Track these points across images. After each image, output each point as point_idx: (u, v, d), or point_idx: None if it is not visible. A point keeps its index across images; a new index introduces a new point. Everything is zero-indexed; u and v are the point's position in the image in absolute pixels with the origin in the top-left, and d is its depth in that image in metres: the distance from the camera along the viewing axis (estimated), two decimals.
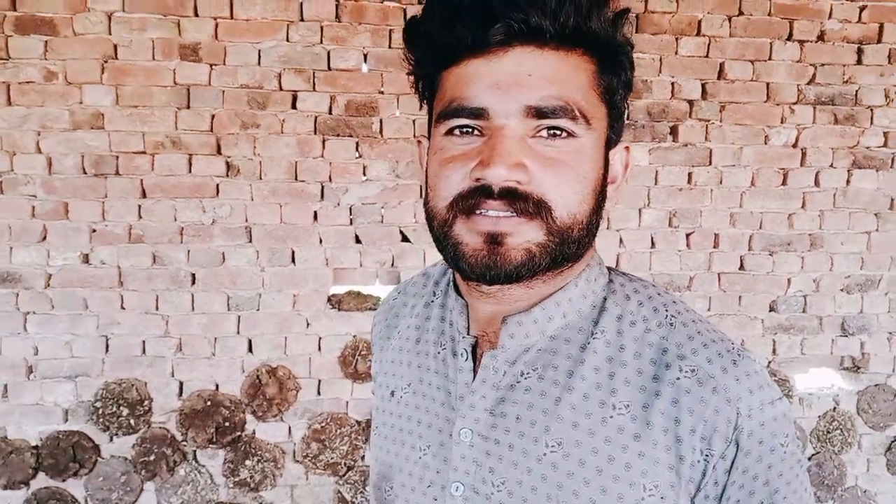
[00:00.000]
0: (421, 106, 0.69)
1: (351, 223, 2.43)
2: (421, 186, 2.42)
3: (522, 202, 0.57)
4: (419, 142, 0.71)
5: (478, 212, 0.58)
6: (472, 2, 0.56)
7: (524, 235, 0.57)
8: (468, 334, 0.68)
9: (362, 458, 2.50)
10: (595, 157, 0.60)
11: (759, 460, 0.59)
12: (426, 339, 0.74)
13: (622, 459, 0.59)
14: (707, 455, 0.58)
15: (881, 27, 2.54)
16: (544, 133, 0.58)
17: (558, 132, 0.58)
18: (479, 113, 0.58)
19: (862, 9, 2.53)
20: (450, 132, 0.60)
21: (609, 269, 0.70)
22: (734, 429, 0.58)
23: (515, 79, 0.57)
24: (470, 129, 0.59)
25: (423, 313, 0.76)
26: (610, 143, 0.63)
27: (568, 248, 0.59)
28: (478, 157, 0.57)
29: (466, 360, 0.67)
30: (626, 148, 0.67)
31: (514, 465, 0.62)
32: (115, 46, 2.28)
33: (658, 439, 0.58)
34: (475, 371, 0.67)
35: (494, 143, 0.57)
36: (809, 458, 2.65)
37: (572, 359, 0.63)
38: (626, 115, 0.65)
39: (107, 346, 2.38)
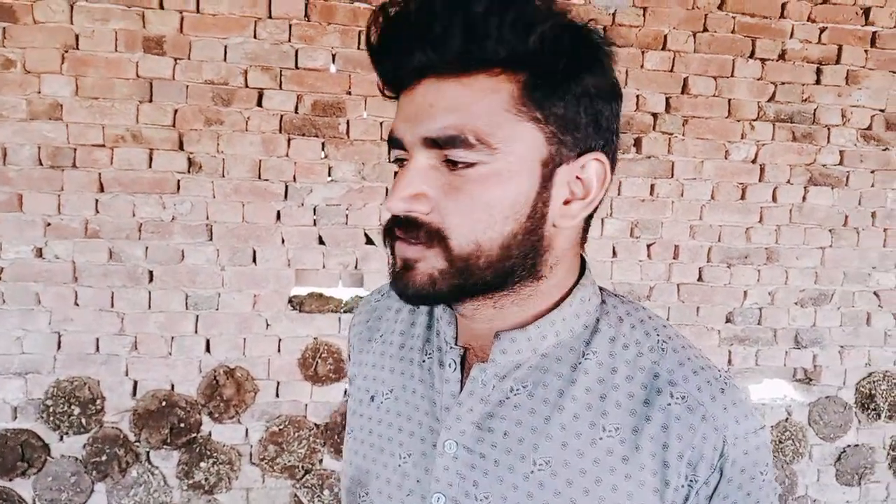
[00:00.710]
0: None
1: (315, 224, 2.41)
2: (387, 188, 2.42)
3: (416, 230, 0.58)
4: None
5: (395, 238, 0.60)
6: (378, 43, 0.59)
7: (429, 262, 0.58)
8: (456, 345, 0.68)
9: (320, 461, 2.47)
10: (511, 181, 0.57)
11: (740, 488, 0.60)
12: (411, 345, 0.73)
13: (609, 481, 0.59)
14: (692, 481, 0.59)
15: (840, 48, 2.62)
16: (451, 164, 0.57)
17: (460, 163, 0.57)
18: (400, 144, 0.60)
19: (822, 30, 2.61)
20: (395, 161, 0.63)
21: (601, 289, 0.70)
22: (720, 456, 0.59)
23: (418, 111, 0.58)
24: (403, 160, 0.61)
25: (409, 319, 0.76)
26: (556, 161, 0.59)
27: (476, 275, 0.58)
28: None
29: (454, 370, 0.67)
30: (598, 159, 0.61)
31: (499, 480, 0.62)
32: (77, 36, 2.24)
33: (645, 463, 0.59)
34: (462, 383, 0.66)
35: (399, 175, 0.59)
36: None
37: (563, 378, 0.63)
38: (602, 123, 0.60)
39: (59, 343, 2.32)
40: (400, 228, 0.59)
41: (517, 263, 0.60)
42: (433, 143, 0.57)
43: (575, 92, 0.58)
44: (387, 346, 0.75)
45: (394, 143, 0.61)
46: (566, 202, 0.60)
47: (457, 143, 0.56)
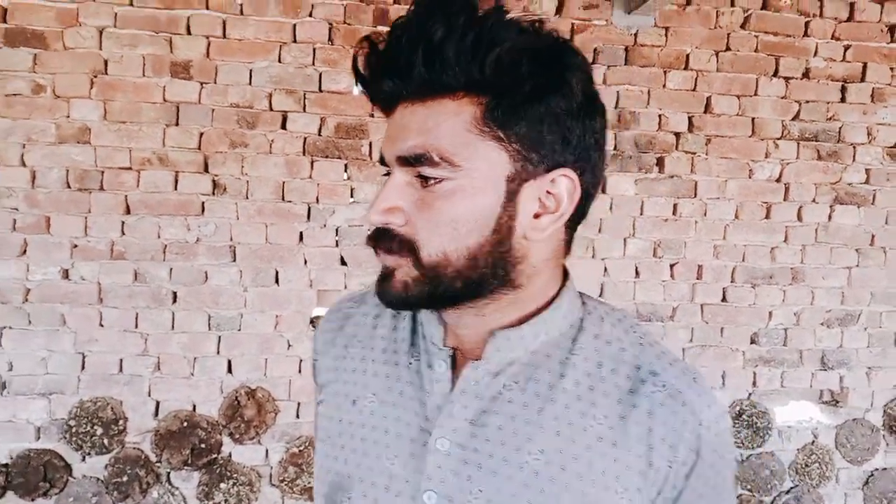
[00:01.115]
0: None
1: (337, 245, 2.41)
2: None
3: (389, 241, 0.63)
4: None
5: (376, 248, 0.66)
6: (362, 76, 0.64)
7: (403, 270, 0.64)
8: (444, 346, 0.70)
9: None
10: (475, 196, 0.61)
11: (712, 466, 0.66)
12: (395, 349, 0.75)
13: (600, 465, 0.64)
14: (671, 462, 0.64)
15: (864, 66, 2.60)
16: (423, 181, 0.62)
17: (428, 179, 0.62)
18: (385, 163, 0.66)
19: (846, 48, 2.59)
20: (384, 175, 0.67)
21: (580, 293, 0.75)
22: (697, 438, 0.64)
23: (395, 132, 0.63)
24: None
25: (391, 324, 0.77)
26: (522, 177, 0.62)
27: (444, 283, 0.63)
28: None
29: (446, 370, 0.69)
30: (566, 175, 0.63)
31: (493, 473, 0.64)
32: (106, 62, 2.27)
33: (632, 446, 0.64)
34: (453, 382, 0.69)
35: (379, 191, 0.64)
36: (788, 492, 2.65)
37: (553, 373, 0.67)
38: (572, 140, 0.62)
39: (83, 364, 2.34)
40: (376, 239, 0.64)
41: (486, 273, 0.63)
42: (405, 161, 0.62)
43: (538, 112, 0.61)
44: (368, 351, 0.76)
45: (381, 160, 0.66)
46: (536, 216, 0.63)
47: (423, 161, 0.61)
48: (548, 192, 0.63)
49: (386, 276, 0.65)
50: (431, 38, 0.58)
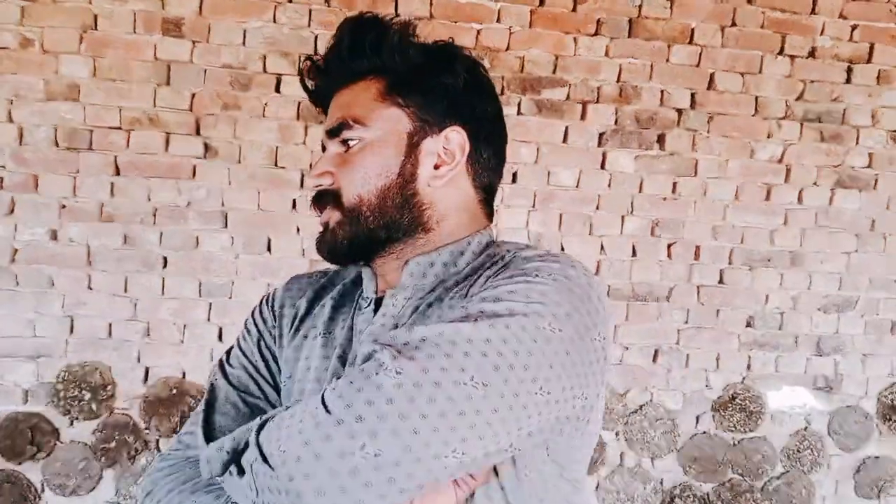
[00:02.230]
0: None
1: None
2: None
3: (324, 197, 0.79)
4: None
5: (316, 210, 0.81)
6: (315, 69, 0.83)
7: (332, 219, 0.78)
8: (375, 294, 0.83)
9: None
10: (383, 148, 0.77)
11: (508, 267, 0.74)
12: (347, 303, 0.86)
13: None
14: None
15: (871, 47, 2.54)
16: (346, 147, 0.78)
17: (349, 142, 0.78)
18: (323, 147, 0.83)
19: (853, 28, 2.53)
20: None
21: (495, 239, 0.85)
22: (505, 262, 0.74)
23: (329, 113, 0.81)
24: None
25: (349, 288, 0.89)
26: (421, 133, 0.78)
27: (363, 222, 0.76)
28: None
29: (369, 305, 0.82)
30: (456, 130, 0.79)
31: None
32: (96, 17, 2.22)
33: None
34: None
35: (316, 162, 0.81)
36: (779, 477, 2.64)
37: (445, 283, 0.78)
38: (450, 109, 0.79)
39: (71, 327, 2.30)
40: (316, 199, 0.80)
41: (396, 213, 0.77)
42: (331, 132, 0.79)
43: (429, 84, 0.79)
44: (328, 301, 0.88)
45: (322, 147, 0.83)
46: (436, 167, 0.79)
47: (342, 127, 0.77)
48: (444, 149, 0.79)
49: (322, 232, 0.80)
50: (347, 41, 0.79)
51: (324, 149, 0.82)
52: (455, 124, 0.79)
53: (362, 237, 0.77)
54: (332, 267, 0.90)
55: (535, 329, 0.61)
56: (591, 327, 0.65)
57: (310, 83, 0.84)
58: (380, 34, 0.78)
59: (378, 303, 0.81)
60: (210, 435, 0.76)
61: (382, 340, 0.62)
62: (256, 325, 0.91)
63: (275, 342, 0.89)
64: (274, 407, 0.84)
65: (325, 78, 0.82)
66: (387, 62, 0.78)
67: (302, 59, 0.84)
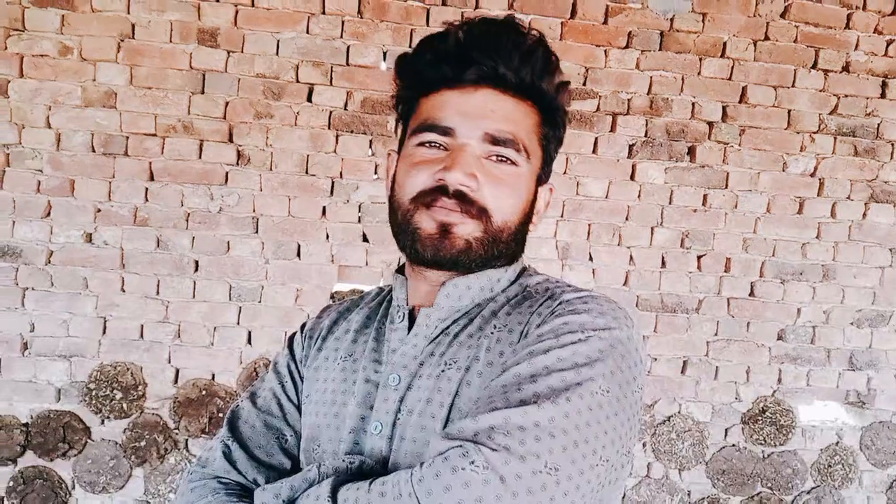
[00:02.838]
0: (397, 125, 0.86)
1: (359, 221, 2.39)
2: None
3: (469, 205, 0.74)
4: (389, 154, 0.87)
5: (435, 205, 0.74)
6: (456, 48, 0.75)
7: (467, 229, 0.74)
8: (406, 304, 0.82)
9: None
10: (529, 185, 0.79)
11: (556, 315, 0.74)
12: (374, 322, 0.86)
13: (498, 361, 0.72)
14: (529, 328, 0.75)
15: None
16: (494, 158, 0.75)
17: (504, 159, 0.76)
18: (447, 131, 0.75)
19: (889, 42, 2.50)
20: (421, 144, 0.77)
21: (528, 266, 0.88)
22: (552, 307, 0.75)
23: (480, 111, 0.75)
24: (437, 144, 0.76)
25: (376, 309, 0.89)
26: (540, 181, 0.83)
27: (499, 246, 0.77)
28: (442, 163, 0.74)
29: (403, 320, 0.81)
30: (551, 189, 0.86)
31: (418, 388, 0.74)
32: (133, 26, 2.26)
33: (514, 340, 0.74)
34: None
35: (457, 155, 0.73)
36: (809, 492, 2.60)
37: (484, 317, 0.78)
38: (551, 165, 0.84)
39: (104, 328, 2.35)
40: (446, 197, 0.73)
41: (516, 246, 0.81)
42: (493, 139, 0.75)
43: (559, 137, 0.83)
44: (352, 324, 0.88)
45: (438, 129, 0.76)
46: (535, 212, 0.83)
47: (509, 144, 0.75)
48: (544, 203, 0.84)
49: (443, 233, 0.74)
50: (540, 50, 0.77)
51: (439, 131, 0.76)
52: (548, 182, 0.86)
53: (488, 258, 0.77)
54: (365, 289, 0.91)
55: (589, 396, 0.63)
56: (631, 381, 0.69)
57: (450, 49, 0.76)
58: (549, 63, 0.78)
59: (411, 318, 0.81)
60: (228, 456, 0.80)
61: (453, 434, 0.62)
62: (291, 348, 0.92)
63: (304, 363, 0.89)
64: (290, 426, 0.85)
65: (498, 65, 0.75)
66: (547, 98, 0.79)
67: (461, 23, 0.76)
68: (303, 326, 0.94)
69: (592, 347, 0.67)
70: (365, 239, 2.40)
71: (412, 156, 0.78)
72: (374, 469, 0.71)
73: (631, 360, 0.70)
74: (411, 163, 0.77)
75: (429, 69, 0.77)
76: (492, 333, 0.75)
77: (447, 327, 0.78)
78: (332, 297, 2.40)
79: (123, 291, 2.33)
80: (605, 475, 0.63)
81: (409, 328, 0.80)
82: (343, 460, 0.69)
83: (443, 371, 0.73)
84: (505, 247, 0.77)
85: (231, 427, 0.84)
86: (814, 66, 2.49)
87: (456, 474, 0.58)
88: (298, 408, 0.86)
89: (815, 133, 2.51)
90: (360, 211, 2.39)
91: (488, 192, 0.74)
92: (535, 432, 0.60)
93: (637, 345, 0.72)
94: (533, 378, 0.64)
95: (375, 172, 2.39)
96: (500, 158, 0.75)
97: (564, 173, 2.44)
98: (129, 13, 2.26)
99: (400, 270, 0.88)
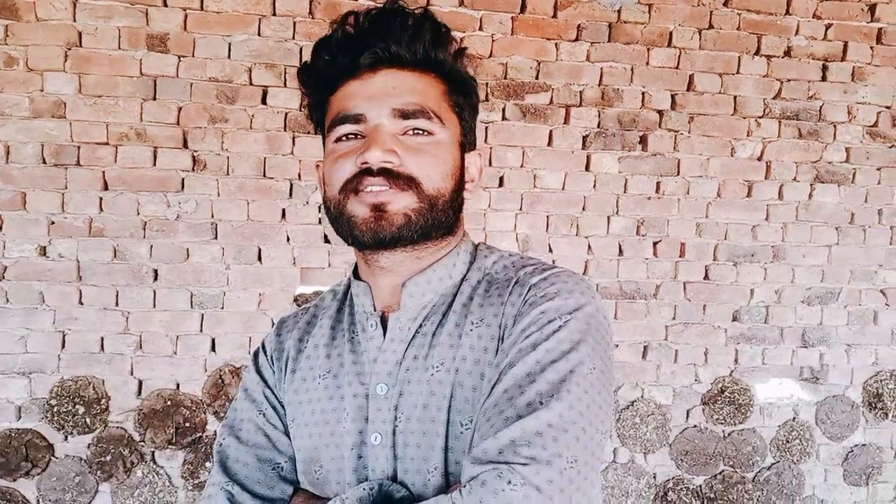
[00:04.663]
0: (316, 131, 0.88)
1: (320, 222, 2.40)
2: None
3: (396, 178, 0.74)
4: (318, 166, 0.88)
5: (363, 189, 0.75)
6: (347, 38, 0.77)
7: (401, 203, 0.75)
8: (374, 311, 0.82)
9: None
10: (452, 152, 0.80)
11: (532, 305, 0.76)
12: (341, 332, 0.86)
13: (484, 359, 0.75)
14: (507, 321, 0.76)
15: (845, 45, 2.60)
16: (410, 132, 0.76)
17: (420, 131, 0.77)
18: (358, 118, 0.77)
19: (828, 27, 2.59)
20: (339, 140, 0.78)
21: (478, 243, 0.89)
22: (523, 293, 0.77)
23: (383, 91, 0.76)
24: (353, 135, 0.77)
25: (337, 317, 0.88)
26: (464, 148, 0.83)
27: (437, 214, 0.77)
28: (361, 149, 0.75)
29: (376, 328, 0.81)
30: (480, 154, 0.87)
31: (410, 394, 0.76)
32: (80, 34, 2.23)
33: (494, 334, 0.76)
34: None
35: (372, 136, 0.75)
36: (769, 468, 2.69)
37: (446, 303, 0.81)
38: (475, 132, 0.86)
39: (63, 342, 2.31)
40: (371, 177, 0.74)
41: (450, 215, 0.80)
42: (402, 113, 0.76)
43: (471, 104, 0.85)
44: (319, 339, 0.87)
45: (349, 118, 0.77)
46: (470, 180, 0.85)
47: (419, 114, 0.76)
48: (475, 168, 0.86)
49: (378, 213, 0.75)
50: (410, 24, 0.77)
51: (350, 121, 0.77)
52: (474, 148, 0.87)
53: (428, 228, 0.77)
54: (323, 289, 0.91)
55: (583, 380, 0.68)
56: (607, 348, 0.74)
57: (340, 41, 0.77)
58: (440, 34, 0.80)
59: (382, 323, 0.81)
60: (233, 500, 0.80)
61: (480, 457, 0.65)
62: (260, 373, 0.90)
63: (278, 386, 0.89)
64: (282, 453, 0.84)
65: (384, 45, 0.76)
66: (446, 66, 0.80)
67: (346, 17, 0.78)
68: (262, 348, 0.93)
69: (572, 330, 0.71)
70: (326, 240, 2.41)
71: (333, 152, 0.79)
72: (391, 491, 0.73)
73: (604, 330, 0.75)
74: (333, 158, 0.79)
75: (327, 66, 0.79)
76: (471, 331, 0.77)
77: (420, 326, 0.80)
78: (295, 300, 2.40)
79: (81, 304, 2.30)
80: (605, 439, 0.70)
81: (383, 331, 0.81)
82: (364, 488, 0.72)
83: (432, 375, 0.75)
84: (443, 215, 0.78)
85: (224, 470, 0.83)
86: (757, 53, 2.57)
87: (498, 497, 0.61)
88: (285, 433, 0.85)
89: (760, 118, 2.59)
90: (320, 212, 2.39)
91: (412, 164, 0.75)
92: (551, 434, 0.64)
93: (604, 313, 0.77)
94: (530, 377, 0.67)
95: None
96: (416, 131, 0.76)
97: (522, 166, 2.48)
98: (75, 21, 2.22)
99: (357, 274, 0.88)
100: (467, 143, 0.84)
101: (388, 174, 0.74)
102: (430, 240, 0.79)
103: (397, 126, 0.76)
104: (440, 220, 0.78)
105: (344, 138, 0.78)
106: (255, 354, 0.93)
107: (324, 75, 0.80)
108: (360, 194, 0.75)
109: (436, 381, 0.75)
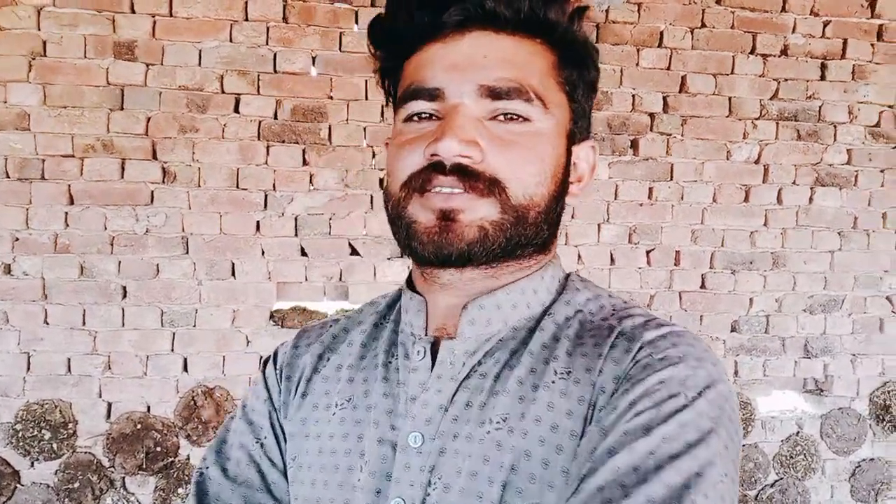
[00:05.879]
0: (387, 104, 0.68)
1: (296, 234, 2.30)
2: (372, 196, 2.31)
3: (474, 179, 0.56)
4: (387, 144, 0.68)
5: (430, 189, 0.57)
6: None
7: (477, 212, 0.56)
8: (426, 335, 0.63)
9: None
10: (555, 143, 0.60)
11: (645, 369, 0.56)
12: (374, 353, 0.67)
13: (566, 426, 0.55)
14: (605, 384, 0.57)
15: (845, 43, 2.51)
16: (501, 117, 0.58)
17: (514, 116, 0.58)
18: (434, 94, 0.58)
19: (826, 24, 2.50)
20: (409, 119, 0.61)
21: (569, 272, 0.70)
22: (631, 360, 0.56)
23: (470, 60, 0.58)
24: (428, 115, 0.59)
25: (373, 332, 0.70)
26: (573, 138, 0.63)
27: (525, 229, 0.58)
28: (433, 136, 0.57)
29: (423, 358, 0.62)
30: (593, 147, 0.66)
31: (454, 454, 0.56)
32: (44, 43, 2.15)
33: (584, 395, 0.56)
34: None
35: (448, 120, 0.57)
36: (772, 485, 2.56)
37: (519, 339, 0.61)
38: (590, 117, 0.65)
39: (28, 364, 2.21)
40: (442, 176, 0.56)
41: (549, 228, 0.62)
42: (491, 92, 0.57)
43: (588, 79, 0.63)
44: (344, 358, 0.69)
45: (423, 93, 0.59)
46: (576, 180, 0.65)
47: (514, 95, 0.57)
48: (585, 164, 0.65)
49: (446, 223, 0.57)
50: None
51: (426, 96, 0.59)
52: (588, 137, 0.65)
53: (512, 246, 0.59)
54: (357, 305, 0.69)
55: (713, 491, 0.49)
56: (739, 448, 0.54)
57: None
58: None
59: (433, 353, 0.62)
60: None
61: (603, 483, 0.48)
62: (268, 388, 0.71)
63: (282, 411, 0.70)
64: (278, 501, 0.66)
65: (484, 2, 0.58)
66: (558, 30, 0.60)
67: None
68: (273, 357, 0.74)
69: (701, 413, 0.51)
70: (303, 253, 2.31)
71: (401, 134, 0.61)
72: None
73: (737, 421, 0.55)
74: (399, 143, 0.61)
75: (404, 23, 0.61)
76: (552, 383, 0.57)
77: (478, 363, 0.60)
78: (271, 316, 2.30)
79: (47, 324, 2.20)
80: None
81: (433, 361, 0.62)
82: None
83: (488, 433, 0.56)
84: (533, 230, 0.59)
85: None
86: (752, 52, 2.48)
87: None
88: (285, 474, 0.67)
89: (756, 119, 2.49)
90: (296, 224, 2.29)
91: (498, 161, 0.57)
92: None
93: (735, 396, 0.57)
94: (638, 471, 0.48)
95: (311, 183, 2.29)
96: (508, 117, 0.58)
97: None
98: (39, 29, 2.14)
99: (411, 284, 0.68)
100: (578, 131, 0.63)
101: (463, 173, 0.56)
102: (513, 258, 0.61)
103: (484, 108, 0.58)
104: (529, 235, 0.59)
105: (415, 118, 0.60)
106: (265, 363, 0.74)
107: (398, 34, 0.62)
108: (425, 195, 0.57)
109: (492, 443, 0.55)
